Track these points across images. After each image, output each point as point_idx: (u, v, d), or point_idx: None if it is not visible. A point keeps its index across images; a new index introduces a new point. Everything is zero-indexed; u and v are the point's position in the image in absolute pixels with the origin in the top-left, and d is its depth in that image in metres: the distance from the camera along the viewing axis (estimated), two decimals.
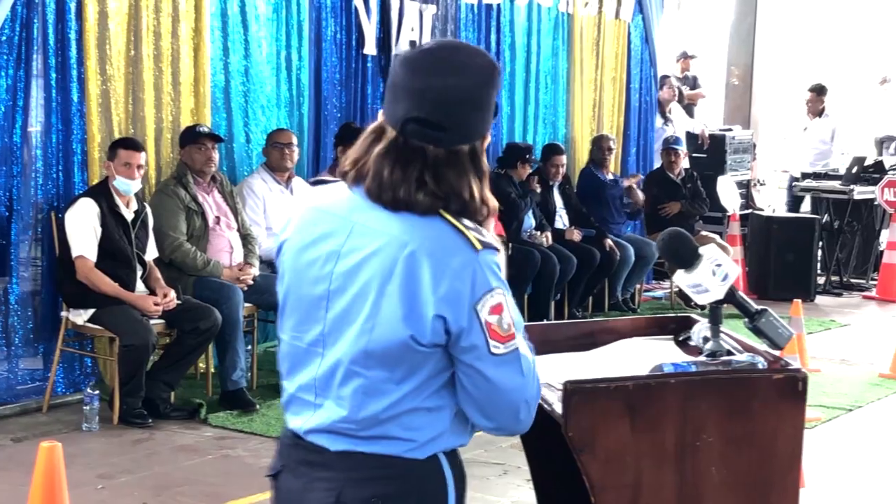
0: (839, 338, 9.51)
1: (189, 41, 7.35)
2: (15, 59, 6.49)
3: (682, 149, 10.96)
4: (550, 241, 9.31)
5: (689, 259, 2.88)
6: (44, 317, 6.83)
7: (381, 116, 2.35)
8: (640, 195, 10.44)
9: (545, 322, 3.89)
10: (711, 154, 12.09)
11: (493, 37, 9.58)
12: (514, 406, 2.28)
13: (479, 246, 2.23)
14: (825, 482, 5.88)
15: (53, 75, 6.69)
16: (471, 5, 9.37)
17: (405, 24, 8.73)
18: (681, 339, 3.21)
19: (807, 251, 11.03)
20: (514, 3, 9.78)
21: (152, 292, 6.62)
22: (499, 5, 9.61)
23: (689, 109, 13.18)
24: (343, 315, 2.30)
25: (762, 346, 2.97)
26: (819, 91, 12.85)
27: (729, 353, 2.91)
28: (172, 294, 6.61)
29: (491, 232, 2.32)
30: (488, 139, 2.34)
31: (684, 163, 11.09)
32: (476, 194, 2.28)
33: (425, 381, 2.29)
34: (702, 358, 2.92)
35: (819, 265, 11.54)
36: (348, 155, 2.36)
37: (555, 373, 2.87)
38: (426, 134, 2.25)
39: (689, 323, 3.23)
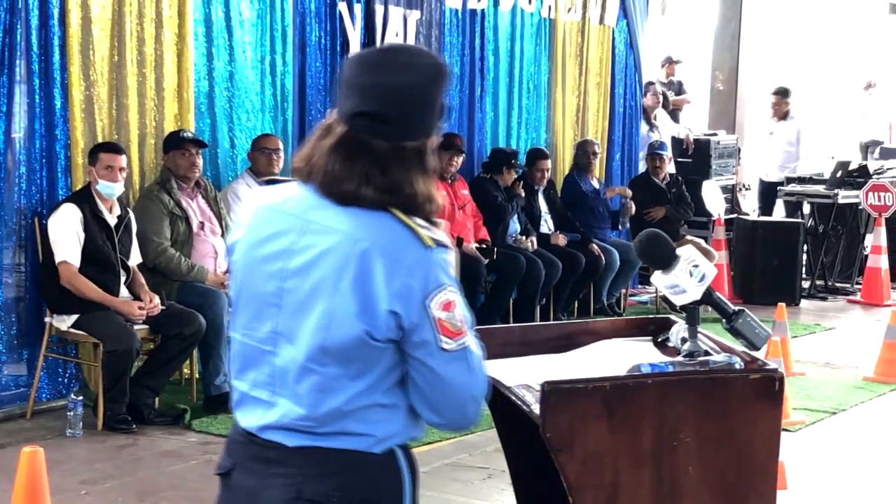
0: (824, 342, 9.53)
1: (173, 47, 7.34)
2: None
3: (667, 154, 10.99)
4: (535, 246, 9.33)
5: (666, 260, 2.89)
6: (28, 323, 6.81)
7: (333, 114, 2.40)
8: (633, 208, 10.42)
9: (525, 324, 3.88)
10: (696, 159, 12.12)
11: (476, 42, 9.59)
12: (461, 402, 2.34)
13: (430, 243, 2.29)
14: (808, 485, 5.90)
15: (37, 81, 6.67)
16: (455, 10, 9.38)
17: (389, 30, 8.75)
18: (659, 340, 3.22)
19: (792, 255, 11.07)
20: (498, 9, 9.80)
21: (136, 298, 6.61)
22: (483, 11, 9.63)
23: (674, 115, 13.22)
24: (297, 312, 2.33)
25: (740, 346, 2.98)
26: (783, 94, 12.90)
27: (706, 353, 2.93)
28: (157, 299, 6.61)
29: (442, 231, 2.36)
30: (434, 140, 2.40)
31: (669, 168, 11.12)
32: (421, 190, 2.33)
33: (380, 377, 2.32)
34: (679, 358, 2.94)
35: (804, 269, 11.58)
36: (299, 152, 2.41)
37: (533, 374, 2.88)
38: (373, 128, 2.31)
39: (668, 324, 3.25)
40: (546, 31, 10.36)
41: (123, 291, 6.63)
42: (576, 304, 9.88)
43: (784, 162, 12.79)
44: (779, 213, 12.81)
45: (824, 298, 11.50)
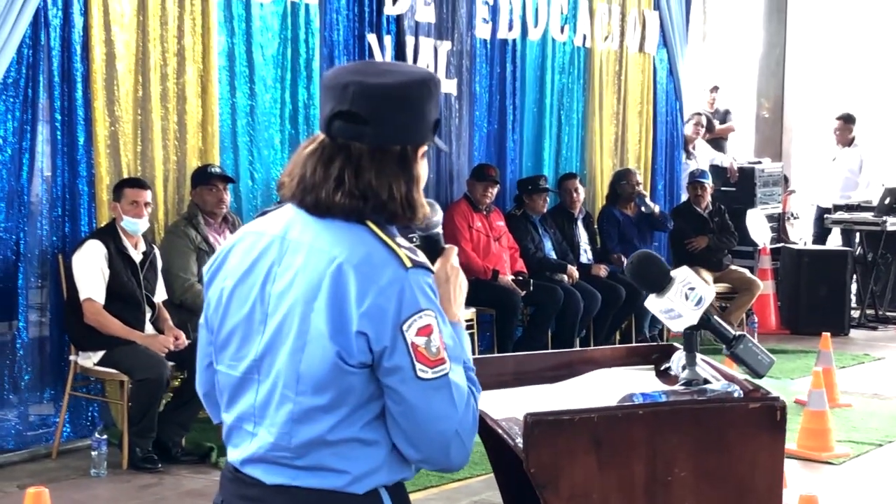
0: (872, 372, 9.27)
1: (197, 80, 7.28)
2: (21, 102, 6.45)
3: (709, 182, 10.76)
4: (577, 278, 9.14)
5: (659, 282, 2.73)
6: (52, 361, 6.74)
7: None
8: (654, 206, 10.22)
9: (521, 353, 3.72)
10: (741, 187, 11.87)
11: (507, 72, 9.44)
12: (443, 437, 2.16)
13: (409, 263, 2.16)
14: None
15: (59, 117, 6.63)
16: (484, 41, 9.26)
17: (420, 61, 8.63)
18: (662, 368, 3.06)
19: (839, 284, 10.80)
20: (528, 39, 9.66)
21: (161, 334, 6.54)
22: (513, 40, 9.50)
23: (719, 144, 12.96)
24: (275, 336, 2.22)
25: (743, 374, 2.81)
26: (847, 119, 12.60)
27: (706, 381, 2.76)
28: (182, 335, 6.54)
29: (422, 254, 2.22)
30: (424, 149, 2.27)
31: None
32: (398, 196, 2.21)
33: (356, 408, 2.19)
34: (676, 387, 2.77)
35: (854, 298, 11.29)
36: (286, 167, 2.31)
37: (524, 405, 2.73)
38: (350, 129, 2.20)
39: (671, 352, 3.08)
40: (581, 60, 10.20)
41: (149, 328, 6.57)
42: (617, 336, 9.67)
43: (844, 189, 12.50)
44: (835, 239, 12.51)
45: (874, 328, 11.21)
